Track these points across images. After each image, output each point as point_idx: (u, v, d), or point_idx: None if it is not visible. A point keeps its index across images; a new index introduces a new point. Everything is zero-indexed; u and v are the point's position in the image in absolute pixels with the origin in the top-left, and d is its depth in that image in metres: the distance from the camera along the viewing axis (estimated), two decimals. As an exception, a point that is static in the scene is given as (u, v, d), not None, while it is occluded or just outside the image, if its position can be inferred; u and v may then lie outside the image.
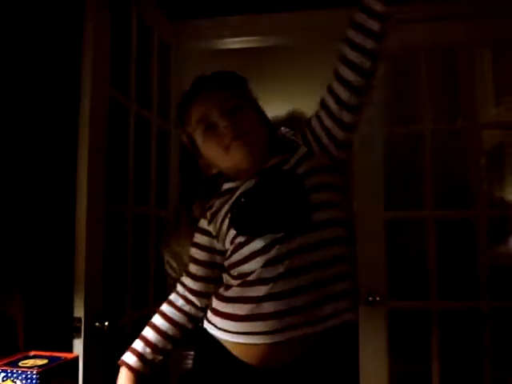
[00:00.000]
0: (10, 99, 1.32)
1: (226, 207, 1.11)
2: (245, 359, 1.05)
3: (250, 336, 1.03)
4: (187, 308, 1.20)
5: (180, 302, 1.21)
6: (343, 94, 1.00)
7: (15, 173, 1.34)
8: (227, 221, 1.10)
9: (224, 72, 1.19)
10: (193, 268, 1.22)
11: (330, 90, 1.02)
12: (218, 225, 1.13)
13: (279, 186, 1.06)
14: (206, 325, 1.14)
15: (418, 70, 2.19)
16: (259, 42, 2.23)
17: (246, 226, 1.06)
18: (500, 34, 2.12)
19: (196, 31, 2.18)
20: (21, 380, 1.10)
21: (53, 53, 1.50)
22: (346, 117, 1.02)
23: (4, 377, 1.11)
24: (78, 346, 1.46)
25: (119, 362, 1.20)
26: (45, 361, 1.17)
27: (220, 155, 1.11)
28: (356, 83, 0.98)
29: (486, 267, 2.10)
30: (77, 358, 1.23)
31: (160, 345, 1.18)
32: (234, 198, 1.10)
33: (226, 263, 1.13)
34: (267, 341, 1.02)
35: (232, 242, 1.09)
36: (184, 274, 1.24)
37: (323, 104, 1.05)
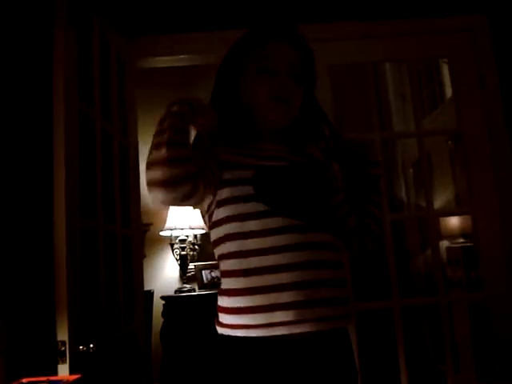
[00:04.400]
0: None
1: (248, 161, 1.10)
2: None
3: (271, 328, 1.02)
4: None
5: None
6: None
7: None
8: (245, 175, 1.07)
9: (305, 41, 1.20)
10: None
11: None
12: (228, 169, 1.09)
13: (309, 178, 1.12)
14: (219, 329, 1.10)
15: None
16: (213, 58, 2.26)
17: (273, 195, 1.06)
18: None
19: (149, 48, 2.18)
20: (29, 406, 1.02)
21: (23, 76, 1.45)
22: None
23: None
24: (64, 372, 1.38)
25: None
26: (46, 386, 1.10)
27: (260, 100, 1.12)
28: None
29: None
30: (80, 379, 1.17)
31: None
32: (259, 159, 1.10)
33: (218, 232, 1.09)
34: (288, 332, 1.02)
35: (238, 199, 1.06)
36: None
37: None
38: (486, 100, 2.17)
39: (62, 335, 1.39)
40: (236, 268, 1.06)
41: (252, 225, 1.05)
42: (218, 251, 1.12)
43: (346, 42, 2.21)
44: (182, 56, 2.23)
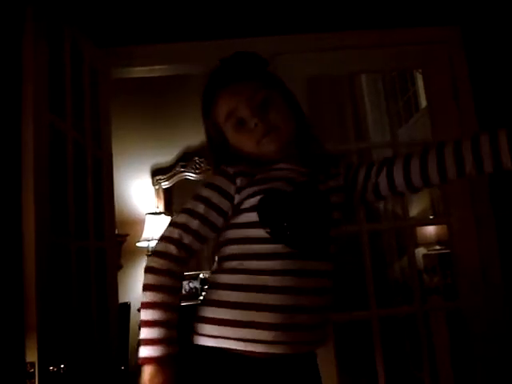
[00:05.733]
0: None
1: (255, 189, 1.09)
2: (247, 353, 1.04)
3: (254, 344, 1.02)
4: (179, 269, 1.07)
5: (174, 267, 1.06)
6: (418, 180, 1.11)
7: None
8: (252, 202, 1.08)
9: (247, 56, 1.16)
10: (194, 223, 1.08)
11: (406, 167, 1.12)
12: (242, 198, 1.09)
13: (316, 206, 1.12)
14: (200, 339, 1.08)
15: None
16: (187, 68, 2.25)
17: (274, 224, 1.06)
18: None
19: (124, 58, 2.14)
20: None
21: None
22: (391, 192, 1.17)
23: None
24: (32, 395, 1.33)
25: (140, 361, 1.01)
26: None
27: (250, 147, 1.13)
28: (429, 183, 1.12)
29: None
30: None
31: (170, 318, 1.04)
32: (267, 187, 1.09)
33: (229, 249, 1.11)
34: (263, 350, 1.03)
35: (249, 225, 1.08)
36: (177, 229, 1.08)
37: (389, 172, 1.15)
38: (460, 110, 2.19)
39: (31, 356, 1.34)
40: (227, 282, 1.08)
41: (253, 248, 1.08)
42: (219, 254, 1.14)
43: (322, 53, 2.20)
44: (156, 66, 2.20)
